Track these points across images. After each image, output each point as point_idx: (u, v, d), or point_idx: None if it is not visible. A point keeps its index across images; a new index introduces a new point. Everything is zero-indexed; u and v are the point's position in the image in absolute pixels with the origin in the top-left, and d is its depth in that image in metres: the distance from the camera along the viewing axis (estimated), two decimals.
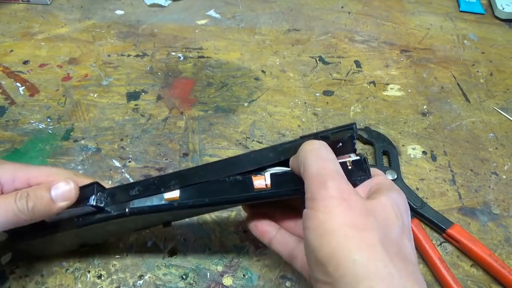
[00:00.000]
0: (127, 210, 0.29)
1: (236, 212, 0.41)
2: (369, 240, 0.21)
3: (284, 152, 0.28)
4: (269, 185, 0.28)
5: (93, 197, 0.28)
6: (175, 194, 0.28)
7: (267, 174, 0.28)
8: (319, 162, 0.24)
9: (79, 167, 0.44)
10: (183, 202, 0.28)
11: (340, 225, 0.21)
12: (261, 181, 0.28)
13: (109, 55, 0.59)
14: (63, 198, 0.28)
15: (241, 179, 0.28)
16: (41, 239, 0.31)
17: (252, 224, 0.31)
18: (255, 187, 0.28)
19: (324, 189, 0.23)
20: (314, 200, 0.23)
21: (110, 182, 0.43)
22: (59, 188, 0.28)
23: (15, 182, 0.28)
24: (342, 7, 0.73)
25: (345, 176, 0.24)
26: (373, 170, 0.28)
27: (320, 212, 0.22)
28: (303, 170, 0.25)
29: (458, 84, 0.59)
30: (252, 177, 0.28)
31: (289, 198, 0.29)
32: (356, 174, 0.27)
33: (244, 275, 0.37)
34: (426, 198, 0.44)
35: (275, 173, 0.28)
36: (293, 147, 0.28)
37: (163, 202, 0.29)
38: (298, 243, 0.29)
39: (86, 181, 0.30)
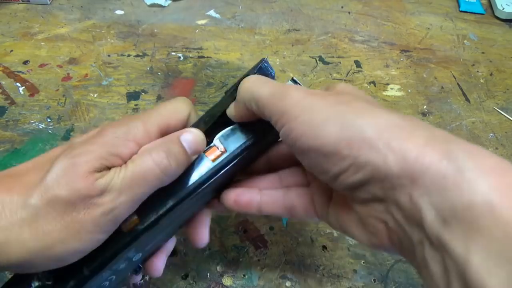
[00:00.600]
0: (84, 271, 0.23)
1: (236, 212, 0.41)
2: (360, 106, 0.20)
3: (219, 108, 0.27)
4: (224, 149, 0.26)
5: (34, 277, 0.23)
6: (132, 218, 0.24)
7: (216, 141, 0.26)
8: (267, 85, 0.23)
9: None
10: (147, 221, 0.24)
11: (328, 109, 0.20)
12: (214, 151, 0.26)
13: (109, 55, 0.59)
14: (195, 150, 0.25)
15: (194, 161, 0.26)
16: None
17: (232, 201, 0.27)
18: (211, 159, 0.26)
19: (289, 97, 0.22)
20: (285, 113, 0.21)
21: None
22: (188, 136, 0.24)
23: (151, 137, 0.24)
24: (342, 7, 0.73)
25: None
26: None
27: (300, 115, 0.21)
28: (256, 103, 0.23)
29: (458, 84, 0.59)
30: (204, 153, 0.26)
31: (251, 156, 0.27)
32: None
33: (244, 275, 0.37)
34: None
35: (223, 134, 0.27)
36: (224, 101, 0.27)
37: (125, 233, 0.24)
38: (287, 192, 0.27)
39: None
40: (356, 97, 0.22)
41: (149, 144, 0.24)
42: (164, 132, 0.25)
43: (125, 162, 0.23)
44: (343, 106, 0.21)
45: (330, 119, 0.20)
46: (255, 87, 0.24)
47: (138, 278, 0.30)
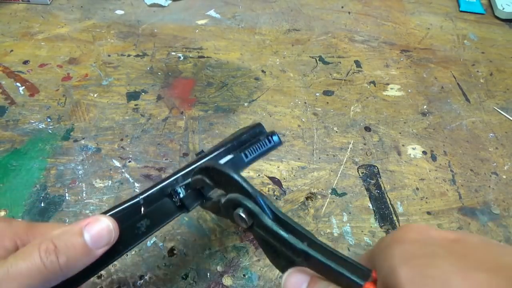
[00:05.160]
0: None
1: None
2: None
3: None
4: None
5: None
6: None
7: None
8: None
9: (79, 167, 0.44)
10: None
11: None
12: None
13: (109, 55, 0.59)
14: (103, 242, 0.21)
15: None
16: None
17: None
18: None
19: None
20: None
21: (110, 182, 0.43)
22: (94, 228, 0.20)
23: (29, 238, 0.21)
24: (342, 7, 0.73)
25: None
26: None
27: None
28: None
29: (458, 84, 0.59)
30: None
31: None
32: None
33: (244, 275, 0.37)
34: (426, 198, 0.44)
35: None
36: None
37: None
38: None
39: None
40: None
41: (49, 234, 0.20)
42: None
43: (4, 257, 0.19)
44: None
45: None
46: None
47: None
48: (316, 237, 0.21)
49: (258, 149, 0.30)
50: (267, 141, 0.30)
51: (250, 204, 0.22)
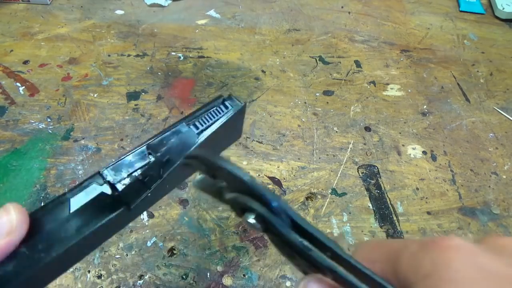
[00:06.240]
0: None
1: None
2: None
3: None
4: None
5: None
6: None
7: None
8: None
9: (79, 167, 0.44)
10: None
11: None
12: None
13: (109, 55, 0.59)
14: (6, 231, 0.18)
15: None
16: None
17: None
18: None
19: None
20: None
21: None
22: None
23: None
24: (342, 7, 0.73)
25: None
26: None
27: None
28: None
29: (458, 84, 0.59)
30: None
31: None
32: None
33: (244, 275, 0.37)
34: (426, 198, 0.44)
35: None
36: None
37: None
38: None
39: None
40: None
41: None
42: None
43: None
44: None
45: None
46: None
47: None
48: (340, 247, 0.17)
49: (211, 118, 0.23)
50: (222, 107, 0.24)
51: (262, 210, 0.18)
